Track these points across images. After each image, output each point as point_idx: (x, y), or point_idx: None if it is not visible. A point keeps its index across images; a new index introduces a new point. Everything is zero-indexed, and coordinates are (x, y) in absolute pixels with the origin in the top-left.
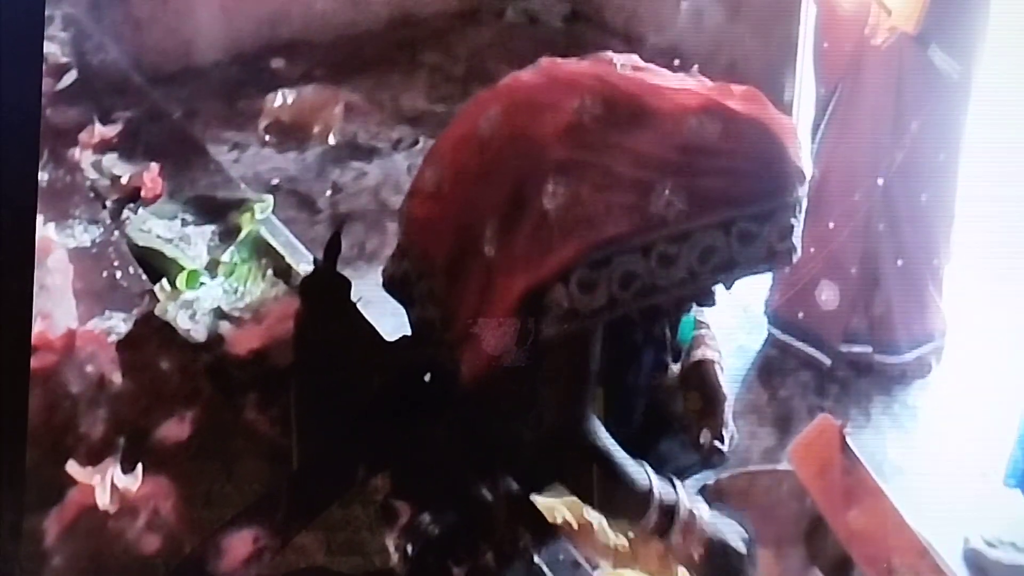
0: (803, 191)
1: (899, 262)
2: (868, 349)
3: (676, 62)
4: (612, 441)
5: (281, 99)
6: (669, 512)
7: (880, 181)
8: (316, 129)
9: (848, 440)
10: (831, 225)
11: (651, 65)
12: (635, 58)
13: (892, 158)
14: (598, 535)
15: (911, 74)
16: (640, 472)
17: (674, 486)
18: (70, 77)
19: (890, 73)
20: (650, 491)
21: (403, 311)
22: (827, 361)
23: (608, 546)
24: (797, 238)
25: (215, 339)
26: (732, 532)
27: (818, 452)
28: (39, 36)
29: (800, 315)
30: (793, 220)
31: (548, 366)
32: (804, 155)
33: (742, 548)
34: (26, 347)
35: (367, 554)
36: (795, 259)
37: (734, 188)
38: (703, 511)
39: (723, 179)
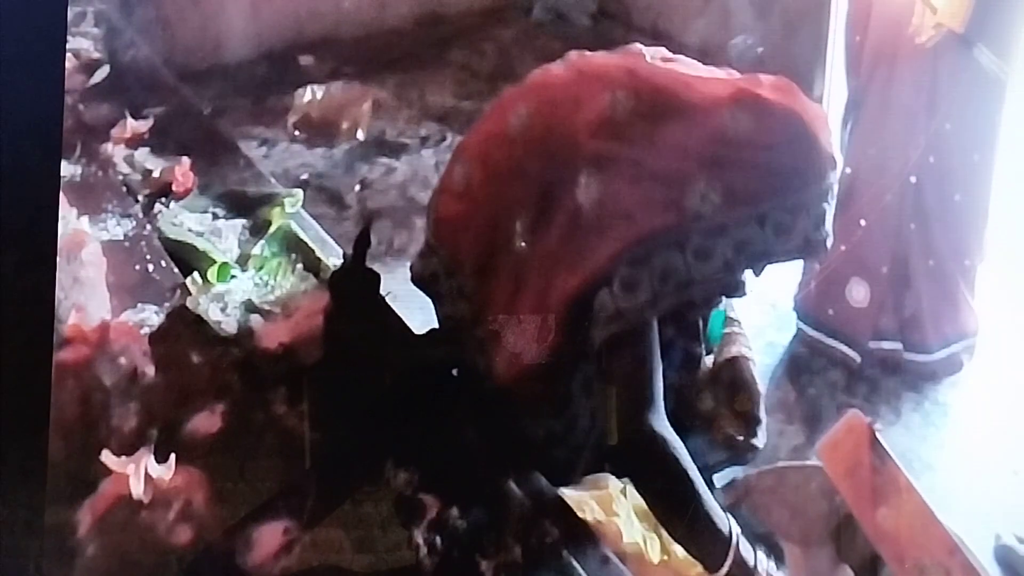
0: (835, 177)
1: (931, 262)
2: (898, 346)
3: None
4: (695, 469)
5: (310, 95)
6: (746, 573)
7: (913, 180)
8: (344, 126)
9: (878, 437)
10: (863, 223)
11: (681, 56)
12: (663, 50)
13: (926, 158)
14: (624, 531)
15: (952, 74)
16: (722, 514)
17: (755, 551)
18: (102, 73)
19: (928, 72)
20: (729, 535)
21: (431, 306)
22: (857, 358)
23: (636, 543)
24: (830, 225)
25: (245, 332)
26: None
27: (847, 449)
28: (62, 31)
29: (830, 312)
30: (826, 206)
31: (610, 369)
32: (835, 143)
33: None
34: (48, 344)
35: (380, 552)
36: (829, 246)
37: (768, 180)
38: None
39: (757, 171)
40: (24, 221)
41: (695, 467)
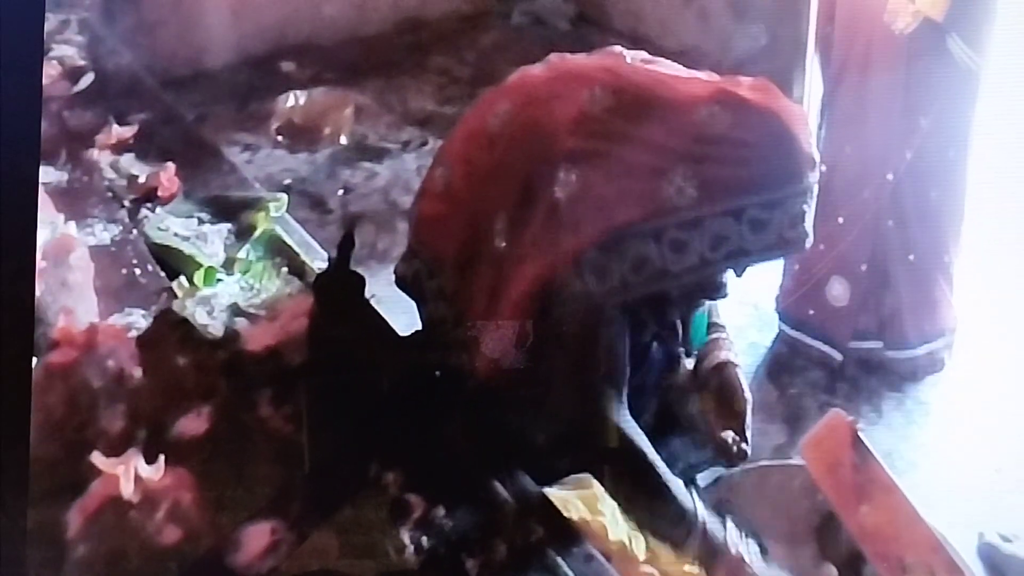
0: (814, 178)
1: (910, 257)
2: (879, 345)
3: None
4: (649, 447)
5: (292, 101)
6: (714, 547)
7: (890, 176)
8: (327, 131)
9: (860, 436)
10: (840, 220)
11: (660, 59)
12: (643, 53)
13: (902, 155)
14: (609, 529)
15: (927, 66)
16: (685, 494)
17: (724, 524)
18: (86, 80)
19: (903, 64)
20: (693, 514)
21: (414, 309)
22: (838, 357)
23: (621, 541)
24: (809, 225)
25: (231, 335)
26: None
27: (829, 448)
28: (39, 37)
29: (811, 312)
30: (804, 207)
31: (564, 358)
32: (813, 142)
33: None
34: (28, 352)
35: (378, 556)
36: (807, 245)
37: (745, 176)
38: (754, 557)
39: (734, 167)
40: (3, 227)
41: (653, 452)
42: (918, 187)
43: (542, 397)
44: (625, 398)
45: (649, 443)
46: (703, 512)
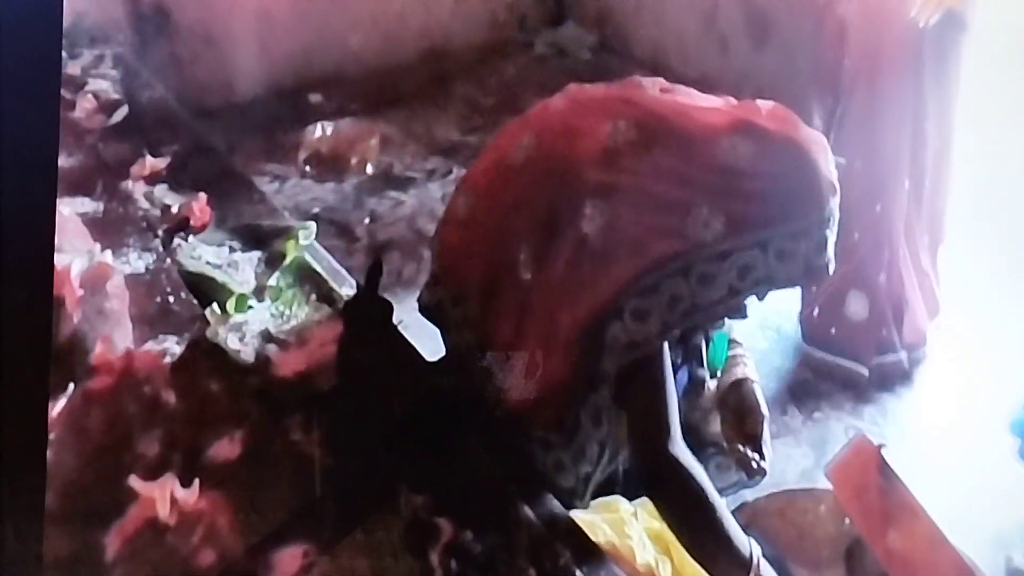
0: (835, 203)
1: (919, 256)
2: (901, 358)
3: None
4: (712, 489)
5: (320, 131)
6: None
7: (907, 184)
8: (353, 160)
9: (886, 459)
10: (856, 236)
11: (679, 86)
12: (662, 80)
13: (918, 159)
14: (637, 553)
15: (937, 63)
16: (743, 538)
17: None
18: (121, 113)
19: (913, 69)
20: (750, 558)
21: (439, 334)
22: (865, 372)
23: (648, 564)
24: (832, 252)
25: (263, 361)
26: None
27: (855, 472)
28: (56, 72)
29: (832, 331)
30: (828, 233)
31: (626, 398)
32: (833, 169)
33: None
34: (45, 381)
35: None
36: (831, 272)
37: (770, 207)
38: None
39: (758, 199)
40: (22, 258)
41: (715, 490)
42: (920, 186)
43: (572, 429)
44: (679, 429)
45: (707, 478)
46: (758, 555)
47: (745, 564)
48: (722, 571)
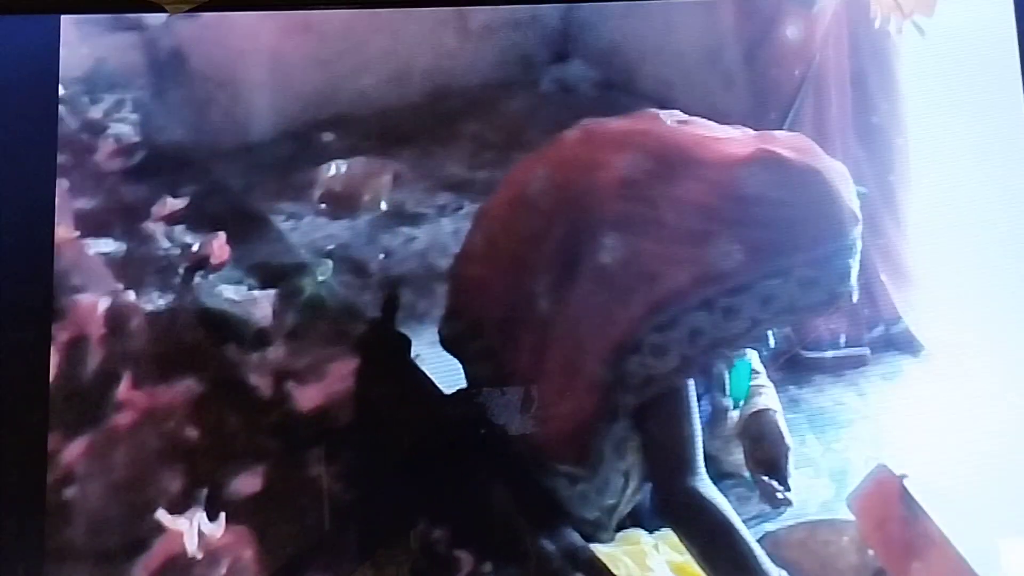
0: (857, 232)
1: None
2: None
3: None
4: (741, 524)
5: (333, 170)
6: None
7: (863, 190)
8: (366, 198)
9: (908, 490)
10: None
11: (696, 118)
12: (678, 112)
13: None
14: None
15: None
16: (773, 569)
17: None
18: (140, 155)
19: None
20: None
21: (457, 367)
22: (866, 352)
23: None
24: (855, 280)
25: (281, 397)
26: None
27: (877, 503)
28: (53, 118)
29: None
30: (850, 261)
31: (646, 432)
32: (855, 197)
33: None
34: (44, 420)
35: None
36: (854, 300)
37: (790, 236)
38: None
39: (778, 228)
40: (22, 299)
41: (741, 522)
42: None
43: (595, 461)
44: (702, 463)
45: (732, 509)
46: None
47: None
48: None
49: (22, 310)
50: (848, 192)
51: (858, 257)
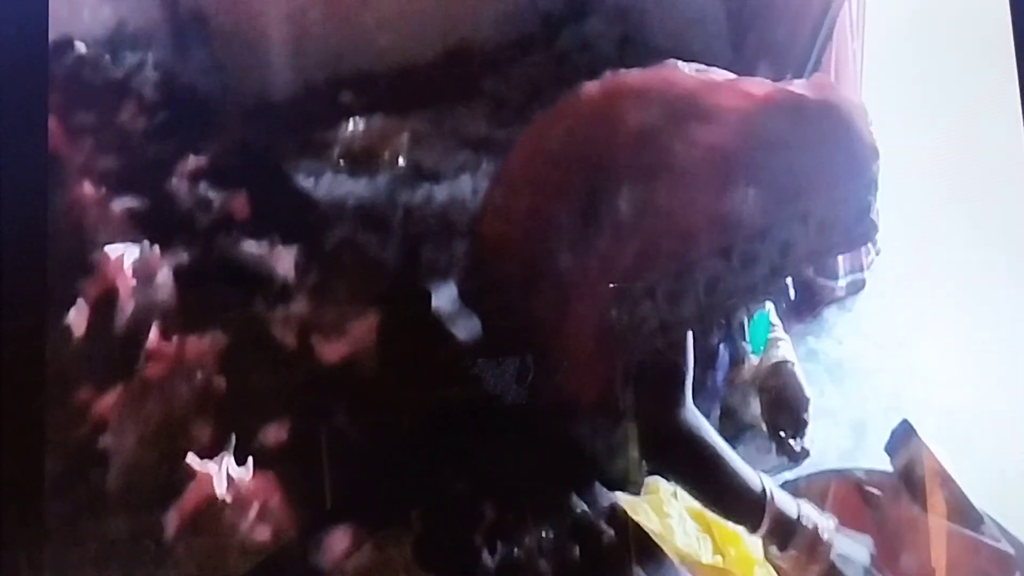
0: (877, 167)
1: None
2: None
3: None
4: (721, 441)
5: (352, 128)
6: (788, 524)
7: None
8: (385, 155)
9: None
10: None
11: (715, 68)
12: (698, 64)
13: None
14: (676, 531)
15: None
16: (753, 476)
17: (798, 504)
18: (163, 114)
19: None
20: (763, 495)
21: (476, 324)
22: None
23: (689, 543)
24: (875, 216)
25: (306, 349)
26: (858, 555)
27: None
28: (44, 99)
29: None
30: (870, 198)
31: (643, 375)
32: (874, 132)
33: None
34: (39, 414)
35: (454, 561)
36: (875, 237)
37: (808, 177)
38: (830, 530)
39: (797, 169)
40: (15, 287)
41: (717, 436)
42: None
43: (618, 412)
44: (689, 397)
45: (712, 428)
46: (771, 487)
47: (759, 503)
48: (741, 518)
49: (17, 296)
50: (866, 127)
51: (878, 192)
